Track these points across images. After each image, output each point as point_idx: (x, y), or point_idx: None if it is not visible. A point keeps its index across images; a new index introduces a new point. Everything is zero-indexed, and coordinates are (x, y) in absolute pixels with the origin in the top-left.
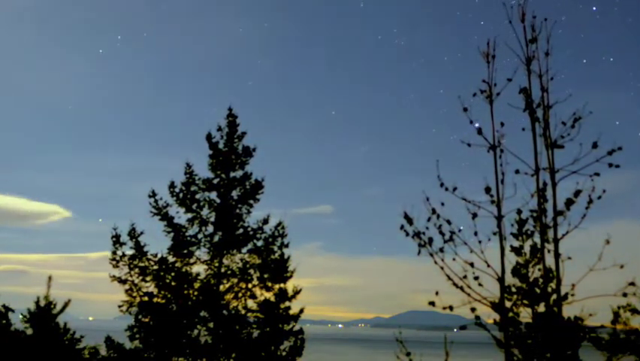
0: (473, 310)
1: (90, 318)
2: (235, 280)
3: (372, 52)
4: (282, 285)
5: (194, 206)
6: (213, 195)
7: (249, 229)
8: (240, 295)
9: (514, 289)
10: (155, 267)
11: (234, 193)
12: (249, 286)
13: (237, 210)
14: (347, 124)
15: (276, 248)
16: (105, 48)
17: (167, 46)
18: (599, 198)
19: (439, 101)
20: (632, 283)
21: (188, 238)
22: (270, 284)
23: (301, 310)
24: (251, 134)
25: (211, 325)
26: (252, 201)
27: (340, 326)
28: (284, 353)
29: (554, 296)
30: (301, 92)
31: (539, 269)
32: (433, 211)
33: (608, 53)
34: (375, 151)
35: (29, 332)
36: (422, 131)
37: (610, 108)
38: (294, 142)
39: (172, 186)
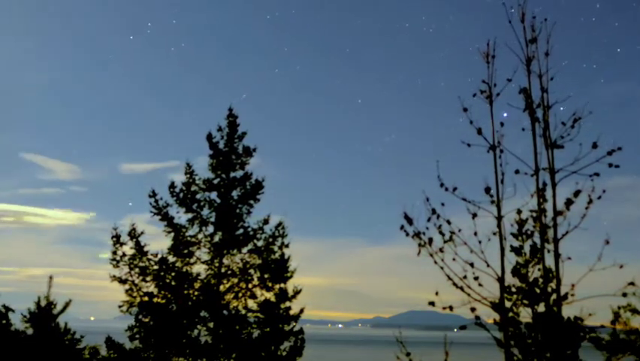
0: (473, 310)
1: (91, 318)
2: (235, 280)
3: (400, 39)
4: (282, 285)
5: (194, 206)
6: (214, 195)
7: (249, 229)
8: (240, 295)
9: (514, 289)
10: (156, 267)
11: (234, 193)
12: (250, 286)
13: (237, 211)
14: (373, 112)
15: (276, 248)
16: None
17: (197, 33)
18: (599, 198)
19: (467, 90)
20: (632, 283)
21: (189, 238)
22: (270, 284)
23: (301, 311)
24: (271, 123)
25: (211, 325)
26: (252, 202)
27: (340, 326)
28: (284, 353)
29: (554, 296)
30: (327, 80)
31: (539, 269)
32: (433, 211)
33: None
34: (401, 141)
35: (29, 332)
36: (449, 120)
37: None
38: (319, 130)
39: (172, 186)
